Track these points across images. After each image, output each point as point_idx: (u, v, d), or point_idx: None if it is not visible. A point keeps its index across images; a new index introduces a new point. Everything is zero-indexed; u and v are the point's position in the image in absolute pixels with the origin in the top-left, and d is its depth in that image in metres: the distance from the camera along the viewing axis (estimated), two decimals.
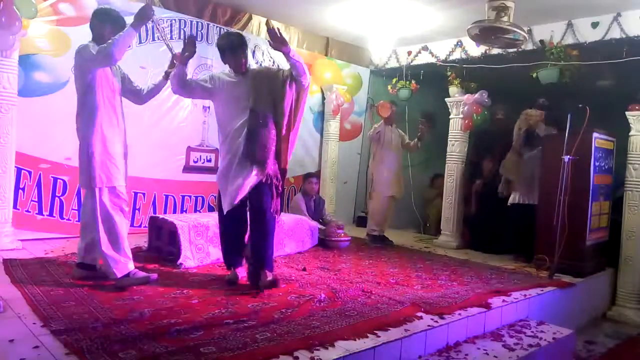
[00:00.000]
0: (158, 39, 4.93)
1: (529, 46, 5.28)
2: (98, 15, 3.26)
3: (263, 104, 3.34)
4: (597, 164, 4.71)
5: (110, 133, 3.16)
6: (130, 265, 3.21)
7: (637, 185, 4.78)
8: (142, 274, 3.28)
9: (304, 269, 4.07)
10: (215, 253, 4.15)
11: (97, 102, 3.12)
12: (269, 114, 3.35)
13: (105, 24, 3.19)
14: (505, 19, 3.87)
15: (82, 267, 3.32)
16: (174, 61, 3.44)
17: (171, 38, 5.17)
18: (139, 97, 3.55)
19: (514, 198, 5.31)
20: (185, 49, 3.34)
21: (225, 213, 3.41)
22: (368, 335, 2.64)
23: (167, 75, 3.50)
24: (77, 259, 3.37)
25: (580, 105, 4.46)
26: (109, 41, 2.99)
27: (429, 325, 2.90)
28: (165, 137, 5.25)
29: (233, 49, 3.37)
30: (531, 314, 3.74)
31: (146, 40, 5.01)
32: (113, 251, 3.15)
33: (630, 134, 4.82)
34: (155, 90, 3.56)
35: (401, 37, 6.18)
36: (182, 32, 5.25)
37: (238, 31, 3.87)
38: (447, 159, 6.14)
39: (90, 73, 3.11)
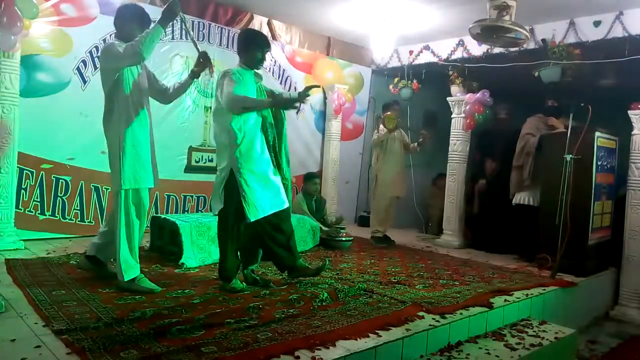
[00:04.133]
0: (186, 37, 4.93)
1: (531, 45, 5.25)
2: (123, 13, 3.17)
3: None
4: (599, 162, 4.70)
5: (139, 133, 3.08)
6: (138, 270, 3.17)
7: (639, 184, 4.77)
8: (149, 283, 3.19)
9: None
10: (217, 253, 4.14)
11: (125, 102, 3.03)
12: None
13: (131, 21, 3.11)
14: (507, 18, 3.86)
15: (90, 259, 3.31)
16: (201, 59, 3.34)
17: (173, 38, 5.18)
18: (165, 96, 3.43)
19: (518, 199, 5.30)
20: (200, 64, 3.32)
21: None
22: (369, 334, 2.64)
23: (193, 74, 3.39)
24: (88, 251, 3.33)
25: (582, 104, 4.45)
26: (137, 39, 2.90)
27: (430, 325, 2.91)
28: (167, 137, 5.20)
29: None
30: (533, 313, 3.74)
31: None
32: (129, 254, 3.11)
33: (633, 132, 4.80)
34: (181, 89, 3.43)
35: (403, 36, 6.17)
36: (183, 32, 5.24)
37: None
38: (449, 159, 6.14)
39: (117, 72, 3.02)
